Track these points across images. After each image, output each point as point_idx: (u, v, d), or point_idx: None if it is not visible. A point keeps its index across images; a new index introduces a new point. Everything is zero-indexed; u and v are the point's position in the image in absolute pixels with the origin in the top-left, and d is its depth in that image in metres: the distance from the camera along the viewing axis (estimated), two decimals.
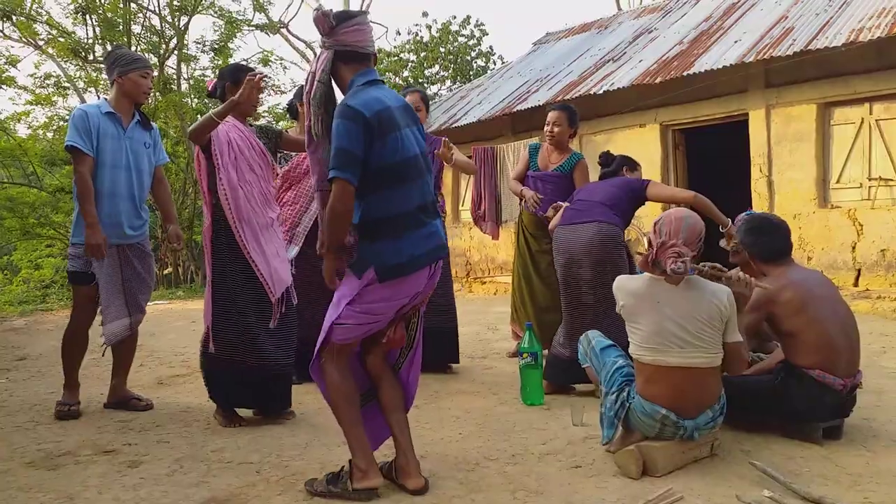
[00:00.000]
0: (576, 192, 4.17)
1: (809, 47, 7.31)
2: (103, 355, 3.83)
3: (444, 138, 4.38)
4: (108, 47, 14.71)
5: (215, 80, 3.61)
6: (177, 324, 7.75)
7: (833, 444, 2.91)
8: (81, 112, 3.60)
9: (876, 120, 7.44)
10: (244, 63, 3.77)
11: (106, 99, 3.76)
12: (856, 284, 7.40)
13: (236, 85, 3.40)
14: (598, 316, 3.68)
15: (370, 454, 2.49)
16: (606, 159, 4.25)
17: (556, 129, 4.55)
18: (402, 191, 2.41)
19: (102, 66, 4.01)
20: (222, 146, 3.33)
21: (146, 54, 15.05)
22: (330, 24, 2.44)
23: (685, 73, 8.28)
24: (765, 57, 7.66)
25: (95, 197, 3.53)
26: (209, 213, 3.38)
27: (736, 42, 8.56)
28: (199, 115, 15.52)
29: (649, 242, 2.77)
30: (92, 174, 3.54)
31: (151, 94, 15.74)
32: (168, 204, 4.03)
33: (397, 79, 19.97)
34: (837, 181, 7.72)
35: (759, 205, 8.14)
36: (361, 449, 2.47)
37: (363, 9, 20.53)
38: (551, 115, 4.63)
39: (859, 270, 7.42)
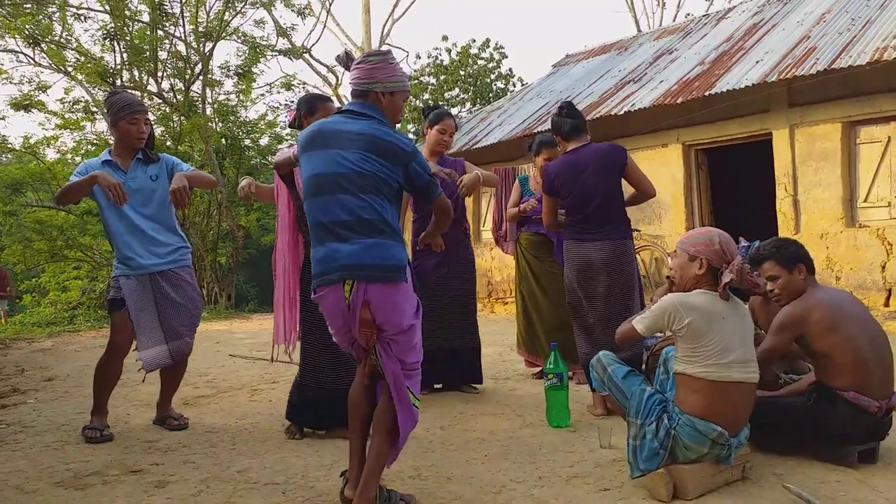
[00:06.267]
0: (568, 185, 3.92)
1: (833, 66, 7.26)
2: (143, 381, 3.88)
3: (457, 179, 4.37)
4: (136, 73, 15.04)
5: (293, 110, 3.67)
6: (202, 345, 7.78)
7: (868, 468, 2.85)
8: (83, 166, 3.80)
9: None
10: (319, 93, 3.89)
11: (110, 148, 3.94)
12: (886, 304, 7.26)
13: (311, 114, 3.49)
14: (606, 322, 3.78)
15: (353, 467, 2.56)
16: (571, 111, 3.98)
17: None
18: (310, 204, 2.53)
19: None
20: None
21: (172, 79, 15.37)
22: (346, 66, 2.71)
23: (707, 93, 8.25)
24: (788, 76, 7.62)
25: (111, 236, 3.76)
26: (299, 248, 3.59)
27: (758, 62, 8.53)
28: (223, 139, 15.81)
29: (706, 264, 2.73)
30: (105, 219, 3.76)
31: (177, 118, 15.88)
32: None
33: (417, 101, 20.13)
34: (865, 200, 7.62)
35: (784, 224, 8.06)
36: (350, 460, 2.59)
37: (383, 35, 20.83)
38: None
39: (890, 290, 7.29)
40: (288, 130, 17.39)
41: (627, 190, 3.98)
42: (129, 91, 15.31)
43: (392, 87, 2.61)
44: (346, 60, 2.71)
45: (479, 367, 4.62)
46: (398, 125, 2.69)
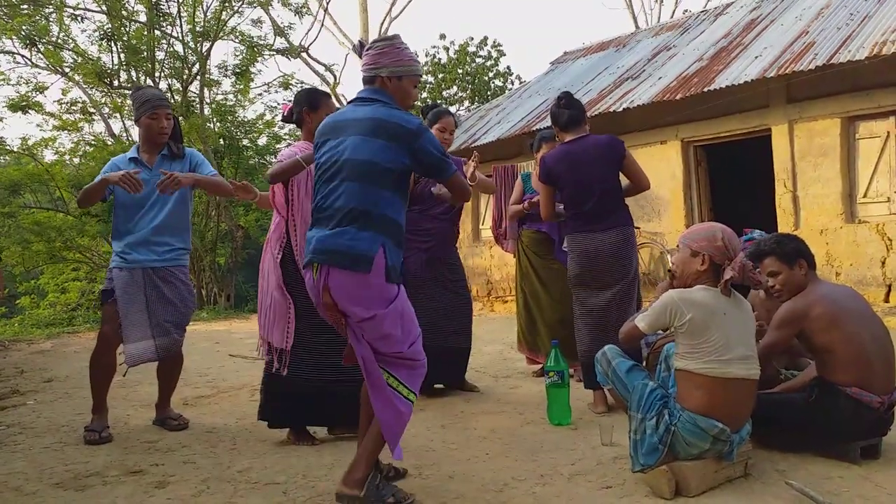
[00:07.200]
0: (566, 176, 3.92)
1: (832, 61, 7.24)
2: (125, 375, 3.85)
3: (474, 153, 4.35)
4: (133, 73, 15.01)
5: (290, 105, 3.57)
6: (201, 345, 7.78)
7: (871, 463, 2.84)
8: (110, 163, 3.82)
9: None
10: (320, 88, 3.79)
11: (138, 144, 3.92)
12: (886, 300, 7.25)
13: (313, 109, 3.41)
14: (609, 315, 3.81)
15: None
16: (570, 101, 3.97)
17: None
18: (315, 191, 2.62)
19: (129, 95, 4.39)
20: (300, 177, 3.36)
21: (170, 80, 15.33)
22: (360, 55, 2.75)
23: (706, 89, 8.24)
24: (786, 72, 7.59)
25: (118, 234, 3.73)
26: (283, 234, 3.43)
27: (756, 57, 8.52)
28: (221, 140, 15.76)
29: (709, 260, 2.72)
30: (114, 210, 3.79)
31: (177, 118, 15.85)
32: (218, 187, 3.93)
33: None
34: (864, 195, 7.61)
35: (784, 221, 8.05)
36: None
37: (381, 33, 20.81)
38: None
39: (890, 286, 7.28)
40: (286, 130, 17.35)
41: (622, 181, 3.99)
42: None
43: (399, 71, 2.63)
44: (359, 49, 2.78)
45: (462, 368, 4.53)
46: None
